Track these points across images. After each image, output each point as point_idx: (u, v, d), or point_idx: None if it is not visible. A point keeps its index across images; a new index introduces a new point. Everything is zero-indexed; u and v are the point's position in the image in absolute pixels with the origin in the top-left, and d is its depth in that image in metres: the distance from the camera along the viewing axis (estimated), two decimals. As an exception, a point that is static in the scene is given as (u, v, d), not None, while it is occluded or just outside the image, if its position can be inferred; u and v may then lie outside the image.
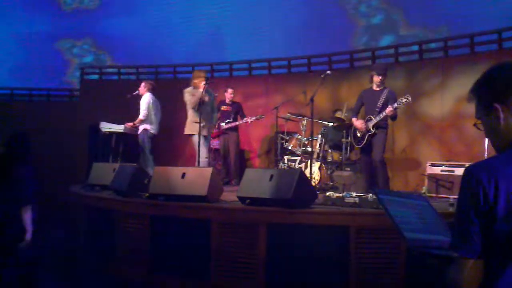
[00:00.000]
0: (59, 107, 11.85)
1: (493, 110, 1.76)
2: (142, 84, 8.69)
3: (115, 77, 11.91)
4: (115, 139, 8.73)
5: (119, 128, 8.59)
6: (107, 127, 8.66)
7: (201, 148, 7.20)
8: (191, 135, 7.64)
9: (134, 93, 8.69)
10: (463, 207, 1.67)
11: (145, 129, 8.38)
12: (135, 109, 8.56)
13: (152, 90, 8.63)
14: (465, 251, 1.64)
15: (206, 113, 7.56)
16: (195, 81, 7.79)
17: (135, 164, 7.06)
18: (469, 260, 1.63)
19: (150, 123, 8.42)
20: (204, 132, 7.47)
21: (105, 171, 7.24)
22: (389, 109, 6.63)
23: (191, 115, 7.66)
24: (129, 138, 8.71)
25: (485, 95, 1.81)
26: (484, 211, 1.62)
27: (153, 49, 12.06)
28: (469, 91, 1.88)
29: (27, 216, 4.30)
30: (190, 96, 7.70)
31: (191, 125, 7.60)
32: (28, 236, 4.29)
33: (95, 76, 12.06)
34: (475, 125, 1.90)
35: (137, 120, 8.42)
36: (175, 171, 6.00)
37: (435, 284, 2.01)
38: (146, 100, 8.46)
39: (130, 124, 8.53)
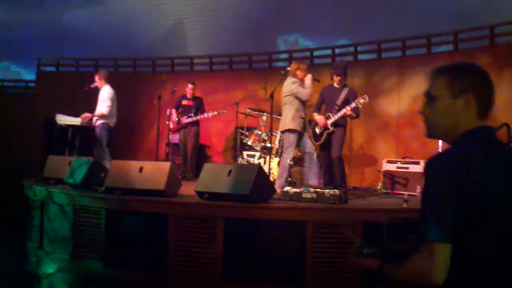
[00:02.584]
0: (14, 99, 11.53)
1: (464, 96, 1.83)
2: (97, 76, 8.51)
3: (73, 68, 11.68)
4: (71, 131, 8.55)
5: (76, 120, 8.41)
6: (63, 119, 8.47)
7: (309, 142, 6.78)
8: (291, 131, 6.65)
9: (92, 86, 8.52)
10: (438, 194, 1.70)
11: (104, 122, 8.23)
12: (92, 101, 8.40)
13: (110, 82, 8.48)
14: (443, 237, 1.66)
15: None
16: (298, 72, 6.84)
17: (91, 158, 6.94)
18: (445, 245, 1.66)
19: (110, 117, 8.28)
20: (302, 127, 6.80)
21: (60, 164, 7.08)
22: (347, 111, 6.70)
23: (297, 109, 6.66)
24: (86, 130, 8.55)
25: (463, 80, 1.86)
26: (457, 199, 1.67)
27: (112, 41, 11.87)
28: (441, 68, 1.91)
29: None
30: (300, 87, 6.68)
31: (297, 120, 6.65)
32: None
33: (52, 68, 11.78)
34: (421, 113, 1.93)
35: (98, 113, 8.24)
36: (133, 165, 5.93)
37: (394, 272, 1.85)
38: (108, 93, 8.29)
39: (89, 115, 8.34)
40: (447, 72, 1.89)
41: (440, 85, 1.88)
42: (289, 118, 6.61)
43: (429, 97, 1.91)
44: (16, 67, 12.98)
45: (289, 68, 7.20)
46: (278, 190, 5.98)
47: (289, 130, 6.61)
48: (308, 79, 6.68)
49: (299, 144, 6.77)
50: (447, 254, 1.66)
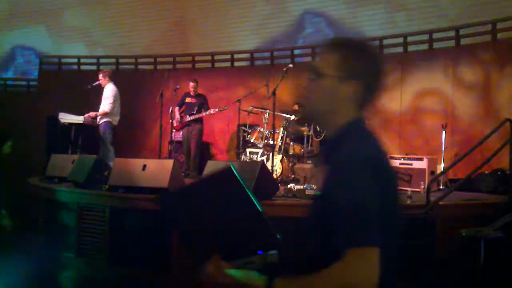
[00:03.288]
0: (17, 97, 11.55)
1: (353, 83, 1.63)
2: (101, 74, 8.53)
3: (75, 67, 11.69)
4: (74, 130, 8.56)
5: (79, 119, 8.42)
6: (66, 118, 8.48)
7: None
8: None
9: (94, 84, 8.53)
10: (363, 195, 1.50)
11: (107, 121, 8.24)
12: (95, 99, 8.41)
13: (113, 80, 8.49)
14: (374, 240, 1.47)
15: None
16: None
17: (94, 156, 6.95)
18: (375, 249, 1.47)
19: (113, 115, 8.30)
20: None
21: (63, 163, 7.10)
22: None
23: None
24: (89, 129, 8.56)
25: (356, 63, 1.64)
26: (379, 199, 1.53)
27: (114, 39, 11.87)
28: (335, 42, 1.69)
29: None
30: None
31: None
32: None
33: (54, 66, 11.79)
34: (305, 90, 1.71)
35: (101, 112, 8.26)
36: (136, 163, 5.94)
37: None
38: (111, 91, 8.31)
39: (92, 114, 8.36)
40: (340, 50, 1.65)
41: (330, 62, 1.64)
42: None
43: (315, 72, 1.67)
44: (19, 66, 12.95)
45: (291, 66, 7.22)
46: None
47: None
48: None
49: None
50: (378, 257, 1.47)
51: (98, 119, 8.31)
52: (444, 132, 7.33)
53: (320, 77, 1.65)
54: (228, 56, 10.76)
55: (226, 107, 8.84)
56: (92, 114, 8.36)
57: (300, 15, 10.55)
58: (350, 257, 1.45)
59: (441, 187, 6.67)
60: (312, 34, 10.44)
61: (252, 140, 8.20)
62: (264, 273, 1.58)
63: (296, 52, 10.31)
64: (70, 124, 8.50)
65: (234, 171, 1.55)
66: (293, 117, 8.07)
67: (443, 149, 7.23)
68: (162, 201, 1.75)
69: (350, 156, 1.56)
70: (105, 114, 8.23)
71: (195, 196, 1.63)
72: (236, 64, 10.74)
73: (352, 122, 1.67)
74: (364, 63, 1.65)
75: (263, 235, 1.60)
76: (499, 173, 6.51)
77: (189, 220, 1.65)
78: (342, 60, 1.63)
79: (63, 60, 11.78)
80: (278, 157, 7.62)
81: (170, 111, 9.06)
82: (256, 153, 8.17)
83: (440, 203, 5.32)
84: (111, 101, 8.21)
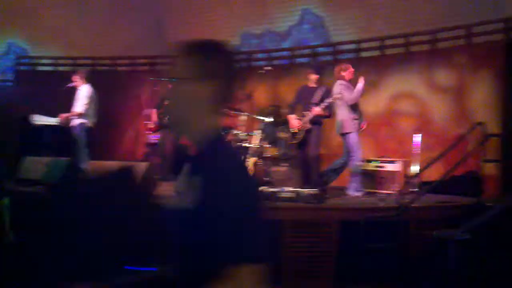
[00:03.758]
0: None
1: (211, 81, 1.58)
2: (77, 76, 8.43)
3: (51, 68, 11.55)
4: (48, 132, 8.44)
5: (53, 120, 8.31)
6: (40, 119, 8.36)
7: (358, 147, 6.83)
8: (349, 133, 6.80)
9: (69, 85, 8.42)
10: (248, 206, 1.45)
11: (82, 122, 8.15)
12: (71, 101, 8.31)
13: (89, 81, 8.40)
14: (262, 255, 1.42)
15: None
16: (343, 74, 6.93)
17: (68, 158, 6.86)
18: (264, 265, 1.42)
19: (87, 116, 8.20)
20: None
21: (36, 165, 6.99)
22: (319, 109, 6.78)
23: (348, 111, 6.81)
24: (63, 131, 8.44)
25: (213, 64, 1.59)
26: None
27: (91, 40, 11.75)
28: (191, 45, 1.64)
29: None
30: (349, 90, 6.81)
31: (352, 122, 6.80)
32: None
33: (29, 67, 11.64)
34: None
35: (74, 113, 8.16)
36: (110, 165, 5.89)
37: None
38: (86, 92, 8.22)
39: (65, 115, 8.24)
40: (196, 52, 1.62)
41: (187, 65, 1.60)
42: (343, 121, 6.77)
43: (173, 77, 1.63)
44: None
45: (268, 68, 7.26)
46: (354, 194, 6.52)
47: (347, 133, 6.76)
48: (360, 82, 6.74)
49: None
50: (266, 274, 1.42)
51: (72, 121, 8.20)
52: (418, 135, 7.40)
53: (178, 81, 1.62)
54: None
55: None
56: (65, 115, 8.24)
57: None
58: (237, 275, 1.37)
59: (414, 190, 6.72)
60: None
61: (227, 143, 8.16)
62: None
63: (274, 55, 10.31)
64: (44, 126, 8.39)
65: (133, 173, 1.48)
66: (268, 120, 8.07)
67: (417, 152, 7.30)
68: (57, 191, 1.66)
69: (229, 164, 1.51)
70: (79, 116, 8.13)
71: (88, 193, 1.55)
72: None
73: (217, 130, 1.63)
74: (220, 64, 1.61)
75: (152, 249, 1.54)
76: (471, 175, 6.60)
77: (77, 217, 1.55)
78: (199, 61, 1.59)
79: (39, 61, 11.63)
80: (251, 160, 7.60)
81: (147, 113, 8.99)
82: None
83: (413, 205, 5.38)
84: (85, 102, 8.12)
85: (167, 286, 1.57)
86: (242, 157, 1.42)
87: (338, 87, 6.75)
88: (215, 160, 1.52)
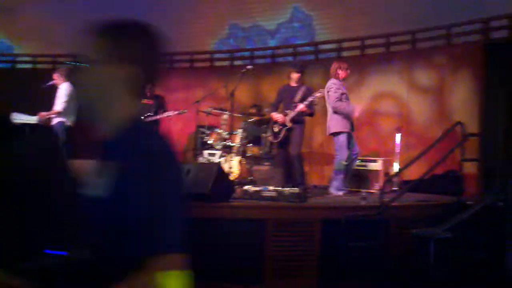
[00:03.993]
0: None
1: (128, 65, 1.47)
2: (57, 74, 8.33)
3: (30, 65, 11.40)
4: (27, 131, 8.32)
5: (32, 119, 8.20)
6: (19, 118, 8.24)
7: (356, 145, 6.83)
8: (340, 133, 6.76)
9: (49, 83, 8.32)
10: (172, 197, 1.40)
11: (60, 121, 8.05)
12: (51, 99, 8.20)
13: (69, 79, 8.30)
14: (182, 244, 1.35)
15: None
16: (340, 72, 6.83)
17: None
18: (182, 255, 1.35)
19: (67, 115, 8.10)
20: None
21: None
22: (303, 107, 6.80)
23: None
24: (43, 129, 8.34)
25: (130, 45, 1.49)
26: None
27: (71, 37, 11.60)
28: (106, 25, 1.51)
29: None
30: (338, 92, 6.74)
31: (342, 122, 6.75)
32: None
33: (7, 65, 11.46)
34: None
35: (53, 111, 8.07)
36: (91, 164, 5.82)
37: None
38: (65, 90, 8.12)
39: (45, 113, 8.14)
40: (112, 33, 1.50)
41: (102, 46, 1.48)
42: (334, 121, 6.73)
43: (86, 60, 1.52)
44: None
45: (250, 67, 7.26)
46: (336, 193, 6.47)
47: (337, 133, 6.73)
48: (355, 109, 6.78)
49: (349, 146, 6.81)
50: (185, 265, 1.35)
51: (51, 119, 8.11)
52: (399, 134, 7.48)
53: (91, 63, 1.49)
54: (187, 57, 10.68)
55: (185, 111, 8.73)
56: (44, 113, 8.14)
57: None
58: (155, 265, 1.29)
59: (395, 188, 6.79)
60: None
61: (210, 142, 8.15)
62: (40, 278, 1.36)
63: (256, 53, 10.31)
64: (23, 124, 8.26)
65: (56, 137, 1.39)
66: (250, 119, 8.08)
67: (398, 151, 7.38)
68: None
69: (151, 149, 1.41)
70: (58, 114, 8.03)
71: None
72: (195, 65, 10.68)
73: (136, 114, 1.54)
74: (139, 46, 1.50)
75: (68, 229, 1.41)
76: (450, 174, 6.68)
77: None
78: (115, 43, 1.47)
79: (18, 59, 11.46)
80: (235, 159, 7.60)
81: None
82: (214, 155, 8.13)
83: (394, 204, 5.43)
84: (64, 100, 8.02)
85: (80, 271, 1.48)
86: (170, 144, 1.35)
87: (329, 87, 6.75)
88: (132, 146, 1.42)
